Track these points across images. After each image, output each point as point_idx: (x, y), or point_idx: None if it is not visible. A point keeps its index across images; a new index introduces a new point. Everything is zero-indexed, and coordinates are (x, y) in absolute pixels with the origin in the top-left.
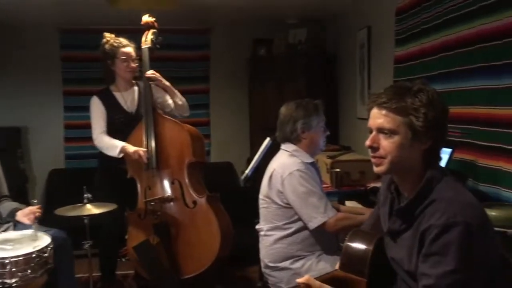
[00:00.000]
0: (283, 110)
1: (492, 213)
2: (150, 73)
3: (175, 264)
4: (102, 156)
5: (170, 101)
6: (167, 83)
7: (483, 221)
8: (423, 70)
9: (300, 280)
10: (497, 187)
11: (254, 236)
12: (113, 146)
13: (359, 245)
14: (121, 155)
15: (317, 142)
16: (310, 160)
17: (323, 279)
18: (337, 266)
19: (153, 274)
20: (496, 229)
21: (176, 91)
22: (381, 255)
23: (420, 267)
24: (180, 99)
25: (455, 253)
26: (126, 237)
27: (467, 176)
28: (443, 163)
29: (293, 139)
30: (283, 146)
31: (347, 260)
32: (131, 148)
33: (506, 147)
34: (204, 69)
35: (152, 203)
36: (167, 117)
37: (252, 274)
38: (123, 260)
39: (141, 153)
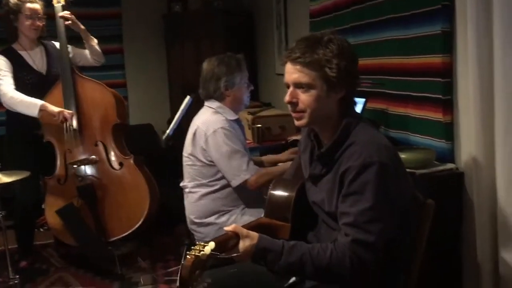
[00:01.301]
0: (205, 66)
1: (403, 156)
2: (66, 13)
3: (102, 227)
4: (10, 122)
5: (86, 51)
6: (82, 26)
7: (397, 162)
8: (337, 23)
9: (227, 228)
10: (406, 132)
11: (178, 195)
12: (31, 104)
13: (282, 193)
14: (40, 114)
15: (241, 98)
16: (234, 117)
17: (249, 226)
18: (262, 215)
19: (78, 237)
20: (407, 170)
21: (90, 35)
22: (303, 201)
23: (340, 206)
24: (96, 43)
25: (372, 191)
26: (43, 205)
27: (379, 124)
28: None
29: (217, 97)
30: (206, 103)
31: (272, 208)
32: (55, 108)
33: (414, 94)
34: (116, 27)
35: (75, 166)
36: (88, 78)
37: (178, 232)
38: (41, 230)
39: (67, 115)
